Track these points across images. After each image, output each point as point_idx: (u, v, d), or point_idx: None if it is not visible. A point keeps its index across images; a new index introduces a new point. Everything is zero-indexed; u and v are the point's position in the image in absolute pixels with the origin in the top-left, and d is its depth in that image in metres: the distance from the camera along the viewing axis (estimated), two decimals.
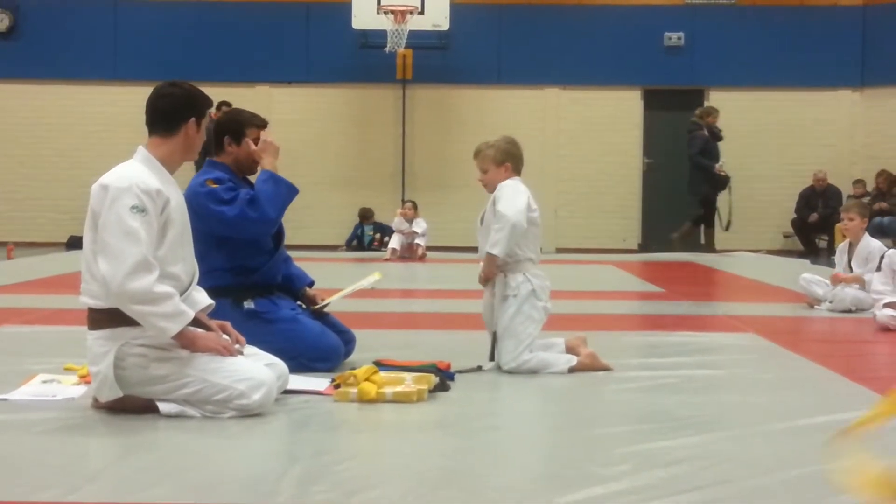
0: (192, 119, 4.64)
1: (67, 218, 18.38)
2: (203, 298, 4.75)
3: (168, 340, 4.43)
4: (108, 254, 4.33)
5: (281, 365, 4.80)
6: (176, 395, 4.44)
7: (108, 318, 4.42)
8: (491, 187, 5.87)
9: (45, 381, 5.17)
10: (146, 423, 4.36)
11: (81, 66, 18.47)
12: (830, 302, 8.84)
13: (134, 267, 4.28)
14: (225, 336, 4.67)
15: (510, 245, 5.68)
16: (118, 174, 4.48)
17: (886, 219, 15.40)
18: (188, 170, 5.60)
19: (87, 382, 5.04)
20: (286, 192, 5.69)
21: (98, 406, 4.58)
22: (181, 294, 4.49)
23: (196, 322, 4.60)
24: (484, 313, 5.94)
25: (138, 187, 4.39)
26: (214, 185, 5.54)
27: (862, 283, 8.77)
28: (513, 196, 5.71)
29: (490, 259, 5.71)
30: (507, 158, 5.82)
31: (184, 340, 4.45)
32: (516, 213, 5.66)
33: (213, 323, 4.71)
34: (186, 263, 4.62)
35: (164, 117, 4.63)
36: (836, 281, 8.98)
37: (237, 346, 4.66)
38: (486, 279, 5.83)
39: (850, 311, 8.66)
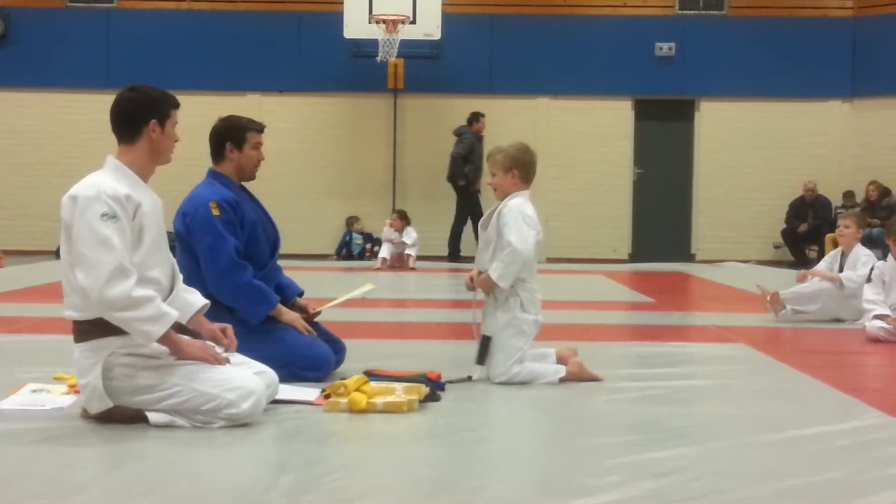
0: (153, 121, 4.59)
1: (57, 226, 17.89)
2: (197, 299, 4.75)
3: (154, 345, 4.42)
4: (84, 264, 4.32)
5: (270, 373, 4.79)
6: (165, 404, 4.43)
7: (92, 329, 4.41)
8: (500, 192, 5.83)
9: (34, 391, 5.16)
10: (135, 433, 4.34)
11: (73, 75, 18.45)
12: (797, 311, 8.98)
13: (111, 274, 4.27)
14: (214, 343, 4.67)
15: (515, 276, 5.68)
16: (86, 184, 4.47)
17: (875, 230, 15.42)
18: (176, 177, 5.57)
19: (77, 392, 5.02)
20: (255, 309, 5.58)
21: (87, 416, 4.56)
22: (165, 298, 4.48)
23: (195, 323, 4.63)
24: (473, 321, 5.90)
25: (106, 194, 4.37)
26: (217, 212, 5.53)
27: (833, 280, 8.90)
28: (520, 224, 5.65)
29: (490, 282, 5.68)
30: (515, 165, 5.77)
31: (170, 346, 4.44)
32: (525, 248, 5.63)
33: (214, 325, 4.72)
34: (165, 266, 4.60)
35: (124, 123, 4.62)
36: (802, 278, 9.10)
37: (226, 353, 4.66)
38: (476, 289, 5.80)
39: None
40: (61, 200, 4.48)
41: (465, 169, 17.07)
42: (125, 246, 4.35)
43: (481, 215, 18.00)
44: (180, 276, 4.74)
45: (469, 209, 17.25)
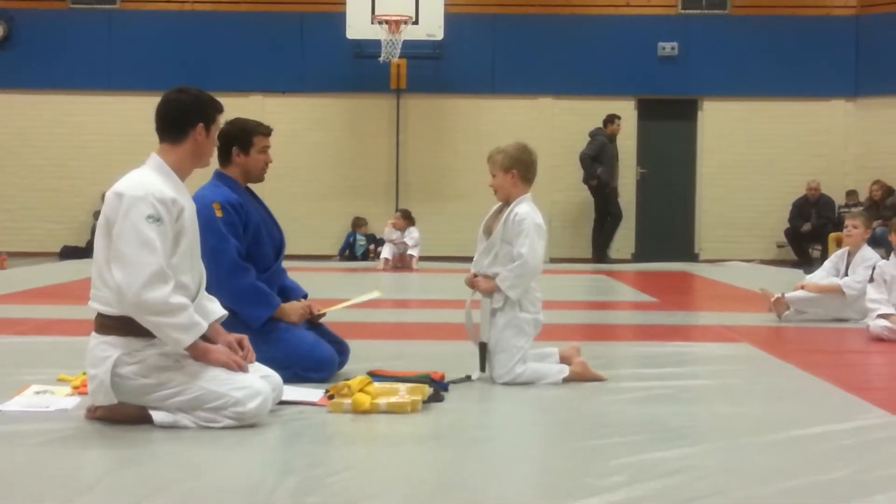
0: (200, 125, 4.61)
1: (61, 228, 18.38)
2: (216, 309, 4.77)
3: (181, 352, 4.43)
4: (124, 263, 4.32)
5: (275, 377, 4.79)
6: (171, 402, 4.43)
7: (117, 325, 4.43)
8: (501, 194, 5.82)
9: (38, 392, 5.15)
10: (140, 434, 4.35)
11: (76, 76, 18.46)
12: (800, 312, 8.97)
13: (150, 277, 4.29)
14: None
15: (526, 287, 5.69)
16: (133, 182, 4.46)
17: (879, 229, 15.42)
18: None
19: (81, 393, 5.04)
20: (256, 312, 5.56)
21: (92, 417, 4.57)
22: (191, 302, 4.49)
23: (212, 331, 4.64)
24: (466, 324, 5.91)
25: (154, 196, 4.38)
26: (220, 214, 5.52)
27: (833, 291, 8.90)
28: (535, 236, 5.64)
29: (495, 287, 5.68)
30: (515, 165, 5.75)
31: (196, 353, 4.46)
32: (538, 261, 5.65)
33: (231, 336, 4.73)
34: (195, 272, 4.62)
35: (171, 124, 4.62)
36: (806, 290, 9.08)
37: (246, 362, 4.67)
38: (478, 290, 5.80)
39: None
40: (105, 195, 4.47)
41: (596, 170, 17.32)
42: (165, 250, 4.37)
43: (620, 215, 18.40)
44: (205, 284, 4.75)
45: (606, 208, 17.67)
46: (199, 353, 4.48)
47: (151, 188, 4.41)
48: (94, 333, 4.52)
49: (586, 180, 17.70)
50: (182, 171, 4.64)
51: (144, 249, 4.31)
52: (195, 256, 4.64)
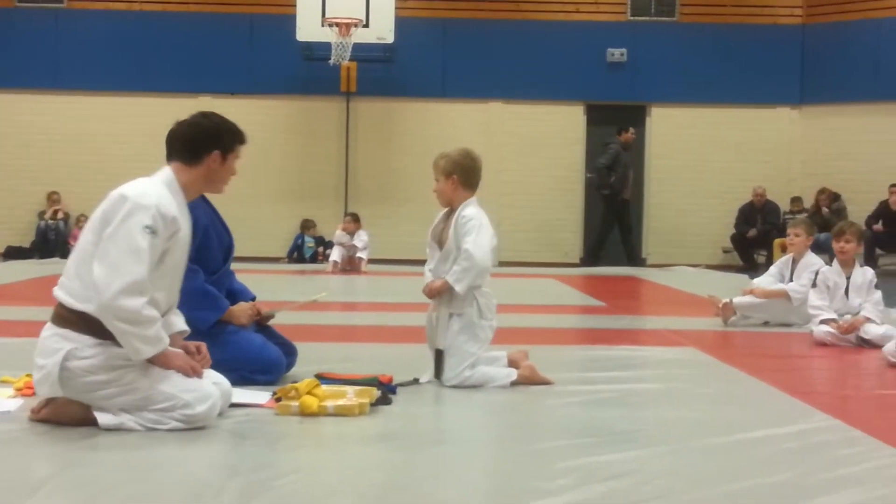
0: (217, 152, 4.64)
1: (4, 228, 18.14)
2: (179, 323, 4.76)
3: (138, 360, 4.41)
4: (108, 264, 4.30)
5: (226, 384, 4.77)
6: (118, 400, 4.40)
7: (76, 320, 4.40)
8: (442, 198, 5.82)
9: None
10: (85, 436, 4.30)
11: (22, 75, 18.22)
12: (745, 317, 9.09)
13: (130, 285, 4.27)
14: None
15: (474, 284, 5.70)
16: (141, 189, 4.46)
17: (823, 235, 15.60)
18: None
19: (24, 395, 4.99)
20: (203, 314, 5.51)
21: (36, 418, 4.52)
22: None
23: (171, 339, 4.60)
24: (427, 328, 5.92)
25: (158, 209, 4.38)
26: None
27: (779, 296, 9.02)
28: (479, 233, 5.68)
29: (448, 287, 5.69)
30: (455, 170, 5.76)
31: (155, 357, 4.43)
32: (484, 256, 5.67)
33: (191, 343, 4.72)
34: (170, 293, 4.62)
35: (186, 146, 4.64)
36: (748, 295, 9.19)
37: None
38: (434, 296, 5.80)
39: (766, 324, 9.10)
40: (109, 193, 4.46)
41: (609, 179, 17.46)
42: (151, 264, 4.36)
43: (630, 224, 18.72)
44: (175, 306, 4.74)
45: (615, 217, 17.80)
46: (160, 359, 4.46)
47: (158, 200, 4.42)
48: (49, 324, 4.49)
49: (599, 188, 17.85)
50: (190, 192, 4.66)
51: (132, 257, 4.30)
52: (175, 278, 4.64)
